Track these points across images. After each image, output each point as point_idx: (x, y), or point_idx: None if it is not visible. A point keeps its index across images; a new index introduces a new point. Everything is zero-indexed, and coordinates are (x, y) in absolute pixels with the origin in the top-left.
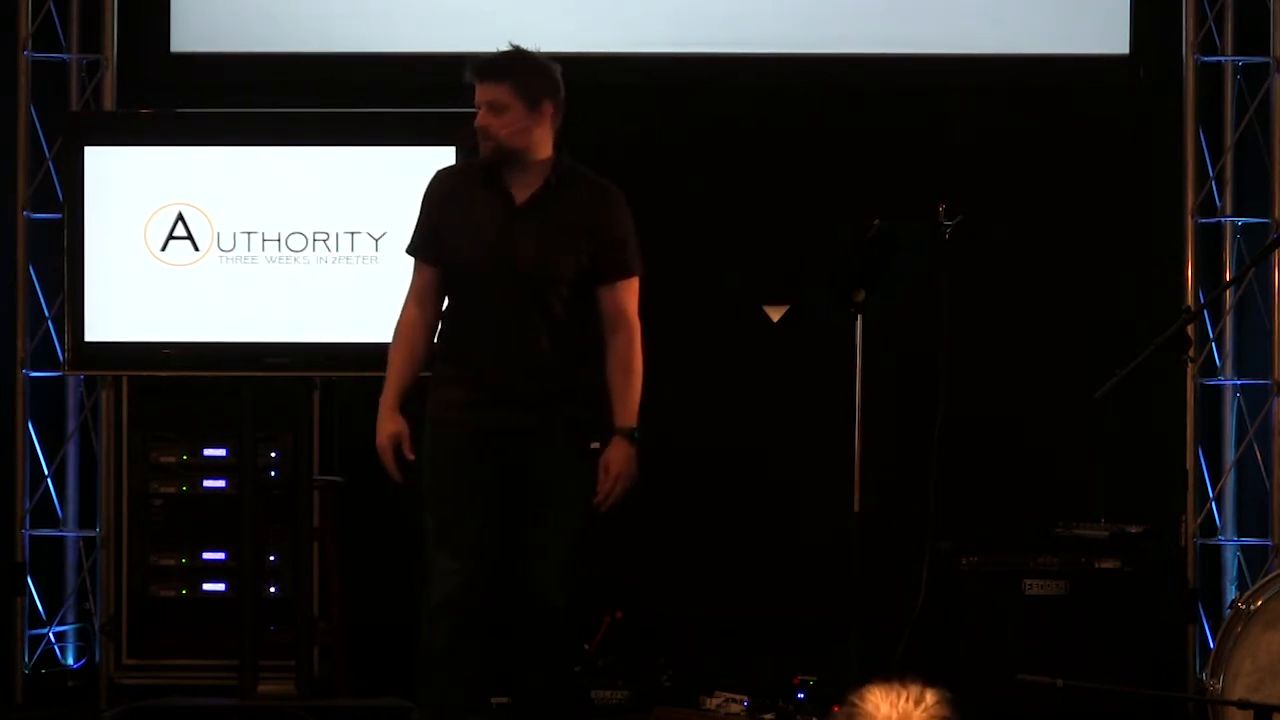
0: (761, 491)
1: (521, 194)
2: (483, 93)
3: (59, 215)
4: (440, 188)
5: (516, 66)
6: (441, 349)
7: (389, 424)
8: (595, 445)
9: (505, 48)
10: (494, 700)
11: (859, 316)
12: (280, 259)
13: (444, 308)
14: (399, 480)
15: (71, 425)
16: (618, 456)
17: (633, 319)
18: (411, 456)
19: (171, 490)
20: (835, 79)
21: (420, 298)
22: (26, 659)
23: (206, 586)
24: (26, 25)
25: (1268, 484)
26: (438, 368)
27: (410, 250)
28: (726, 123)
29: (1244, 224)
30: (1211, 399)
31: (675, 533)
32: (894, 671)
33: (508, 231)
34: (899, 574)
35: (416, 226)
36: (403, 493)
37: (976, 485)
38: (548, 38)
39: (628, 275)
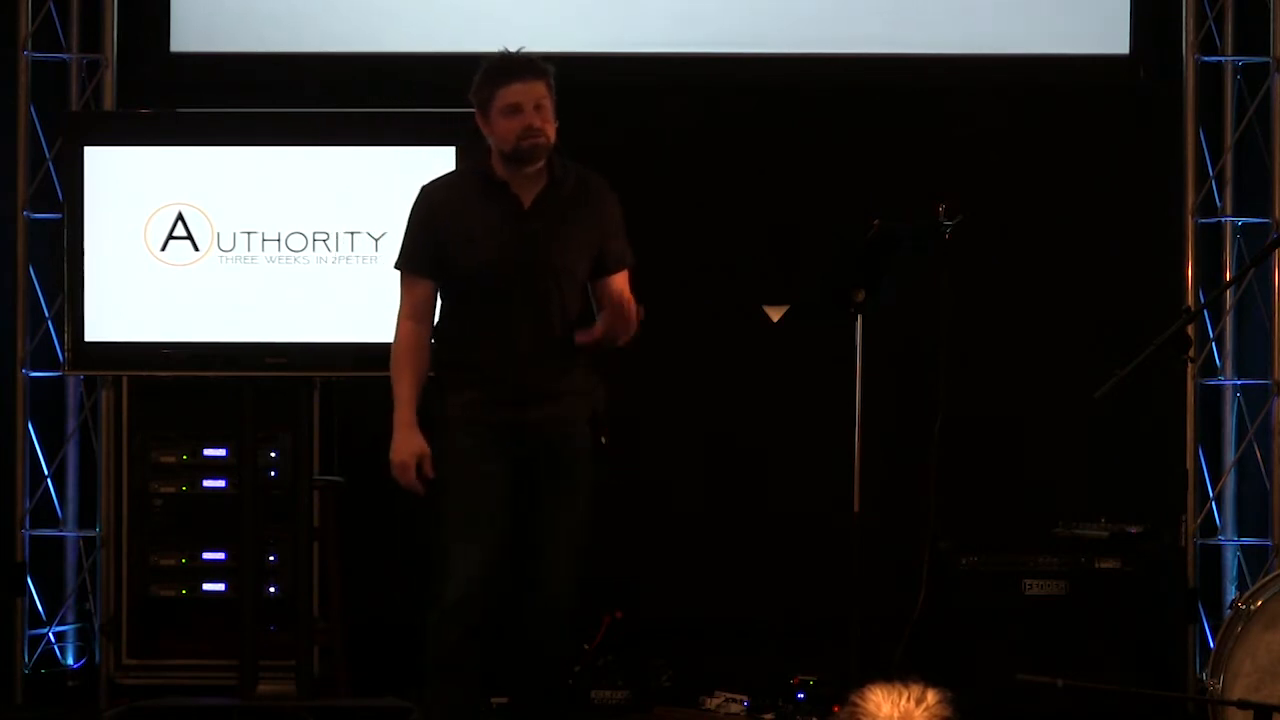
0: (761, 491)
1: (527, 196)
2: (526, 92)
3: (59, 215)
4: (434, 200)
5: (544, 64)
6: (447, 355)
7: (411, 442)
8: (604, 440)
9: (506, 48)
10: (494, 700)
11: (859, 316)
12: (280, 259)
13: (443, 315)
14: (421, 494)
15: (71, 425)
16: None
17: (630, 299)
18: (432, 474)
19: (171, 490)
20: (835, 79)
21: (417, 313)
22: (26, 659)
23: (206, 586)
24: (26, 25)
25: (1268, 484)
26: (444, 373)
27: (402, 266)
28: (726, 123)
29: (1244, 224)
30: (1211, 399)
31: (675, 533)
32: (894, 671)
33: (522, 235)
34: (899, 574)
35: (408, 242)
36: (402, 493)
37: (976, 485)
38: (548, 37)
39: (625, 268)
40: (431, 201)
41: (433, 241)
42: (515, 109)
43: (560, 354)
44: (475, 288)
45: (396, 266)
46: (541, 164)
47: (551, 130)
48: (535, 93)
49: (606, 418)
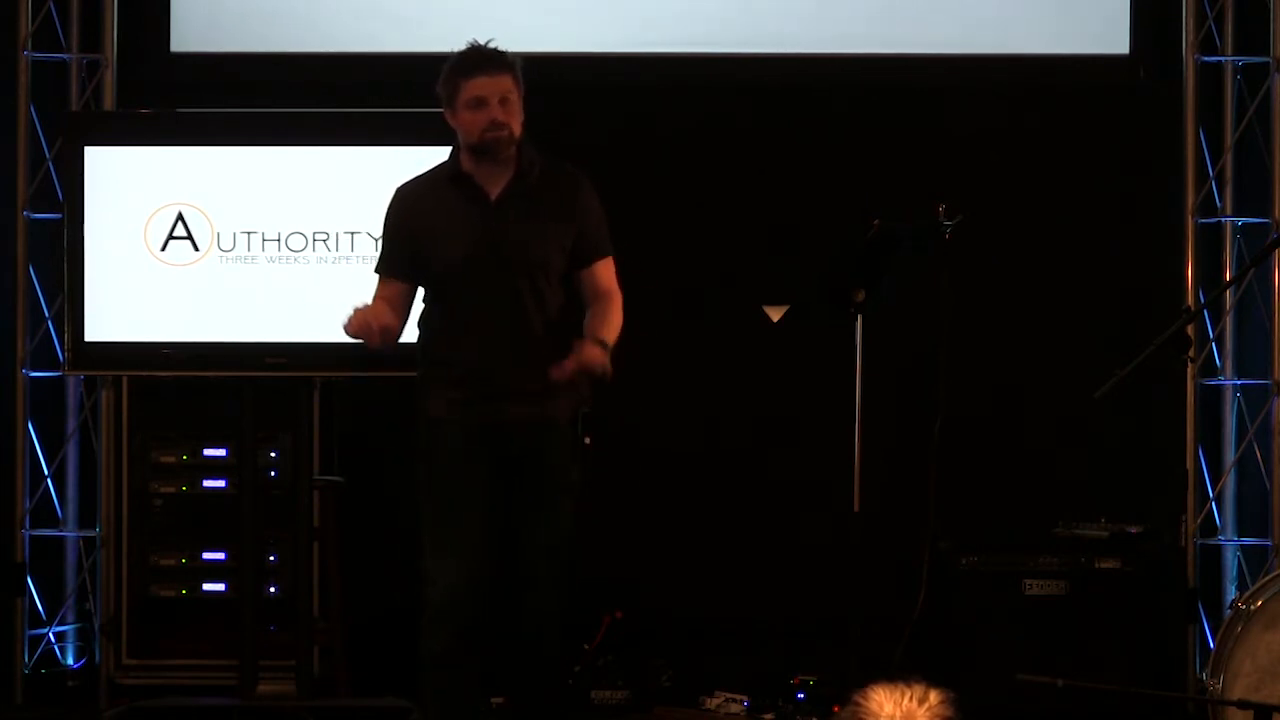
0: (761, 491)
1: (494, 188)
2: (490, 85)
3: (59, 215)
4: (407, 201)
5: (511, 57)
6: (429, 354)
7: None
8: (589, 441)
9: (474, 41)
10: (492, 700)
11: (859, 316)
12: (280, 259)
13: (424, 314)
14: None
15: (71, 425)
16: (589, 349)
17: (615, 290)
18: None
19: (171, 490)
20: (835, 79)
21: (391, 305)
22: (26, 659)
23: (206, 586)
24: (26, 25)
25: (1268, 484)
26: (427, 372)
27: (380, 271)
28: (726, 123)
29: (1244, 224)
30: (1211, 399)
31: (675, 533)
32: (894, 671)
33: (492, 227)
34: (899, 574)
35: (384, 246)
36: (403, 493)
37: (976, 485)
38: (548, 38)
39: (605, 256)
40: (404, 201)
41: (407, 242)
42: (480, 102)
43: (542, 350)
44: (450, 284)
45: (375, 271)
46: (511, 156)
47: (517, 124)
48: (500, 86)
49: (592, 416)
